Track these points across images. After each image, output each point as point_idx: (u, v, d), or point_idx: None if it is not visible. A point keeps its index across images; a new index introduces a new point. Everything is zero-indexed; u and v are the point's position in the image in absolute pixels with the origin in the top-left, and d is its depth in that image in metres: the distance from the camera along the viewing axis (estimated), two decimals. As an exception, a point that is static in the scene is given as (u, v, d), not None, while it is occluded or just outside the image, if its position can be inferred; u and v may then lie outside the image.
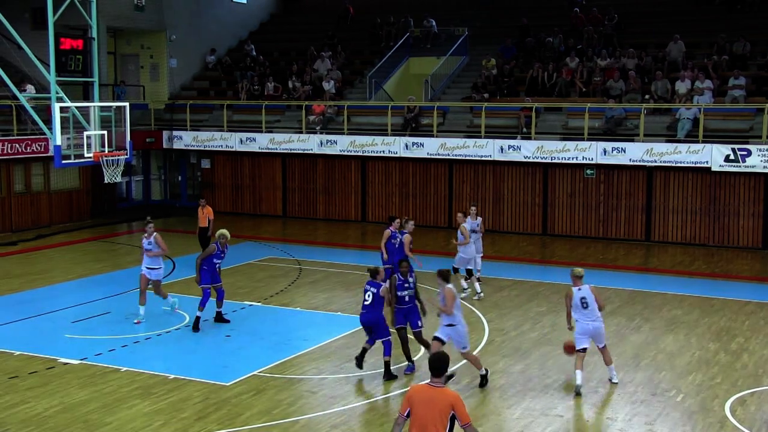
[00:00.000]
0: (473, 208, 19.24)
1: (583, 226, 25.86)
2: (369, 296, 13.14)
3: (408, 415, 7.83)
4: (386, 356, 13.22)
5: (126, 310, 17.16)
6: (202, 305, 15.70)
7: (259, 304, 17.82)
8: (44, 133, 20.02)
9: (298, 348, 14.93)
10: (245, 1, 37.28)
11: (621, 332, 16.05)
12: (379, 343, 13.26)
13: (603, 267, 22.03)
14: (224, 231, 16.02)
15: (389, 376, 13.20)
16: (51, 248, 24.24)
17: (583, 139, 25.14)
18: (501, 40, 31.04)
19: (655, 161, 24.18)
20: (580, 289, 12.74)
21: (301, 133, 29.04)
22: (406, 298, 13.42)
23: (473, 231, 18.56)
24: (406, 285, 13.42)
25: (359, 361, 13.36)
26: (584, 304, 12.67)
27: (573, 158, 25.10)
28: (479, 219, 18.96)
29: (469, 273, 18.43)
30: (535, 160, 25.62)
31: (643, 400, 12.55)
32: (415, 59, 32.44)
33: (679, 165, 24.02)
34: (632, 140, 24.89)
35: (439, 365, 7.93)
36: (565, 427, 11.60)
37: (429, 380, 7.98)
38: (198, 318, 15.70)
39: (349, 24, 36.36)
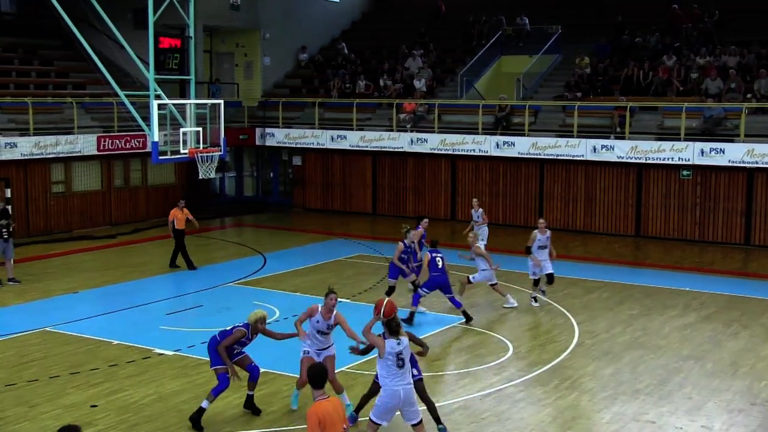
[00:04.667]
0: (475, 200, 22.22)
1: (679, 228, 25.18)
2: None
3: None
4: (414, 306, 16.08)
5: (217, 304, 17.51)
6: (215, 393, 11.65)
7: (347, 300, 17.91)
8: (143, 130, 20.59)
9: (385, 345, 14.94)
10: (338, 0, 37.60)
11: (717, 338, 15.56)
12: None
13: (699, 271, 21.43)
14: (263, 313, 11.92)
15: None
16: (147, 242, 24.92)
17: (679, 140, 24.49)
18: (595, 38, 30.50)
19: (757, 162, 23.36)
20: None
21: (392, 131, 29.12)
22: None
23: (474, 221, 21.43)
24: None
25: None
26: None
27: (668, 159, 24.47)
28: (480, 210, 21.68)
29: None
30: (629, 161, 25.08)
31: (741, 409, 12.13)
32: (507, 58, 32.14)
33: (781, 167, 23.18)
34: (732, 141, 24.12)
35: (321, 377, 8.12)
36: (657, 433, 11.32)
37: (317, 396, 8.02)
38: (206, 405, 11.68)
39: (441, 22, 36.28)
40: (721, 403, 12.37)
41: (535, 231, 17.69)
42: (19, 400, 12.26)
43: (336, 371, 11.99)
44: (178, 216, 20.95)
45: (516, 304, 17.60)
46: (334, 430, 7.88)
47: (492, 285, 17.53)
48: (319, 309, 11.66)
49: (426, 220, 19.08)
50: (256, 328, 11.66)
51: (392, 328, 10.14)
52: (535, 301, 17.85)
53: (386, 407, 9.94)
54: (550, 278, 17.79)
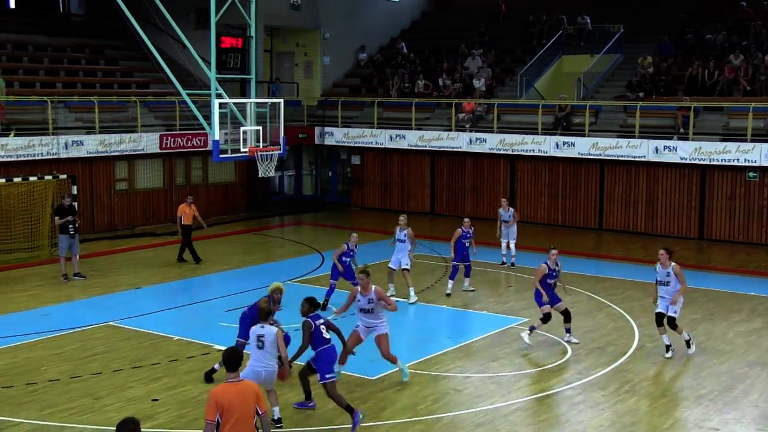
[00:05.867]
0: (504, 199, 22.12)
1: (744, 232, 24.61)
2: None
3: (218, 420, 7.89)
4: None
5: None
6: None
7: (404, 300, 17.92)
8: (204, 129, 20.85)
9: (442, 345, 14.94)
10: (398, 0, 37.62)
11: (784, 345, 15.18)
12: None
13: (766, 275, 20.91)
14: (279, 285, 12.77)
15: None
16: (207, 239, 25.18)
17: (746, 141, 23.95)
18: (658, 37, 29.99)
19: (826, 164, 22.74)
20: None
21: (451, 130, 29.04)
22: None
23: (505, 222, 21.34)
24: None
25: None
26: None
27: (734, 160, 23.95)
28: (511, 210, 21.59)
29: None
30: (693, 162, 24.61)
31: (807, 417, 11.81)
32: (568, 57, 31.79)
33: None
34: (800, 142, 23.52)
35: (235, 359, 8.18)
36: (720, 441, 11.08)
37: (228, 378, 8.08)
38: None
39: (501, 21, 36.08)
40: (787, 411, 12.06)
41: (657, 264, 14.47)
42: (85, 392, 12.54)
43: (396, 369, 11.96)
44: (186, 211, 21.57)
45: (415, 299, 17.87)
46: (235, 414, 7.89)
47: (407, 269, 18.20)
48: (358, 289, 12.75)
49: (467, 220, 19.15)
50: (273, 298, 12.51)
51: (261, 315, 11.13)
52: (688, 345, 14.53)
53: None
54: (670, 322, 14.27)
